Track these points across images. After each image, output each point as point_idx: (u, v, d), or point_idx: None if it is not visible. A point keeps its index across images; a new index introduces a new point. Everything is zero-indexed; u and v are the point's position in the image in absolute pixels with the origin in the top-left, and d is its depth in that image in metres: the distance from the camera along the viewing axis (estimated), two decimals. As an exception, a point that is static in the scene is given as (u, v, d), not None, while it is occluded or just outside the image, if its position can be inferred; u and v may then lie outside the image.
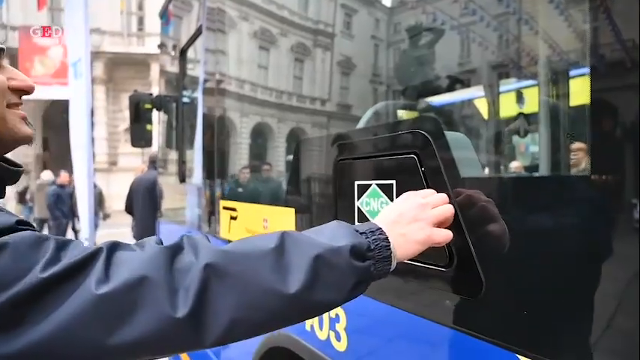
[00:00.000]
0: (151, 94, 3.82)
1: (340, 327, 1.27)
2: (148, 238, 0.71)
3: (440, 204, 0.85)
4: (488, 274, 0.82)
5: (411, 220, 0.79)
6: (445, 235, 0.81)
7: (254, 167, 2.26)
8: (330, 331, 1.31)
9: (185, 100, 3.54)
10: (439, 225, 0.83)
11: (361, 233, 0.74)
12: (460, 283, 0.88)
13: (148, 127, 4.02)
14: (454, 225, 0.88)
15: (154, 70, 19.07)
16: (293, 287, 0.65)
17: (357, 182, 1.26)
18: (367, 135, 1.20)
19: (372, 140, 1.15)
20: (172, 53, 4.38)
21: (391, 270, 0.76)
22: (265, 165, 2.20)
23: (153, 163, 5.24)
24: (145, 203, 4.99)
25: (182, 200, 3.54)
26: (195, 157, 3.23)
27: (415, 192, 0.88)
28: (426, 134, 0.95)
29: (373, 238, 0.74)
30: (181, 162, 3.21)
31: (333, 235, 0.73)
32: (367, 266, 0.72)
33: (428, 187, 0.99)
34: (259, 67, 2.38)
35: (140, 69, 20.30)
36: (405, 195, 0.87)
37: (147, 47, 20.08)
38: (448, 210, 0.84)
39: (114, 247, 0.65)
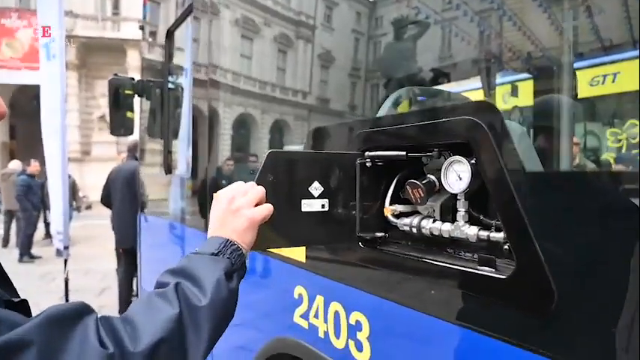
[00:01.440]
0: (133, 79, 3.59)
1: (362, 335, 1.15)
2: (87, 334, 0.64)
3: (249, 189, 0.94)
4: (563, 283, 0.71)
5: (232, 215, 0.89)
6: (266, 209, 0.93)
7: (256, 158, 2.10)
8: (350, 340, 1.19)
9: (172, 86, 3.34)
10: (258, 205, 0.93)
11: (217, 254, 0.83)
12: (525, 294, 0.77)
13: (129, 114, 3.79)
14: (517, 225, 0.77)
15: (131, 56, 18.44)
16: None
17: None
18: (400, 123, 1.07)
19: (407, 129, 1.02)
20: (150, 39, 4.16)
21: (246, 267, 0.88)
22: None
23: (132, 152, 4.98)
24: (124, 195, 4.74)
25: (166, 192, 3.36)
26: (181, 147, 3.05)
27: (221, 190, 0.95)
28: (480, 122, 0.83)
29: (229, 252, 0.84)
30: (167, 152, 3.01)
31: (204, 272, 0.78)
32: (236, 282, 0.83)
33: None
34: (242, 56, 2.26)
35: (115, 55, 19.58)
36: (214, 200, 0.95)
37: (123, 33, 19.38)
38: (259, 191, 0.94)
39: (51, 341, 0.59)
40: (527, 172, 0.77)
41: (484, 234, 0.88)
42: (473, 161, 0.87)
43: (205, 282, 0.76)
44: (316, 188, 1.07)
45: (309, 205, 1.06)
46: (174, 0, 3.48)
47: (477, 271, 0.86)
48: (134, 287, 4.90)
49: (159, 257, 3.37)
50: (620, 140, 0.82)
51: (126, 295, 4.92)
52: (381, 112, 1.22)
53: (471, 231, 0.90)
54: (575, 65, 0.86)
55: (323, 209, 1.09)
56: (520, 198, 0.76)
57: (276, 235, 1.04)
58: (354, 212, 1.13)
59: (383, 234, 1.14)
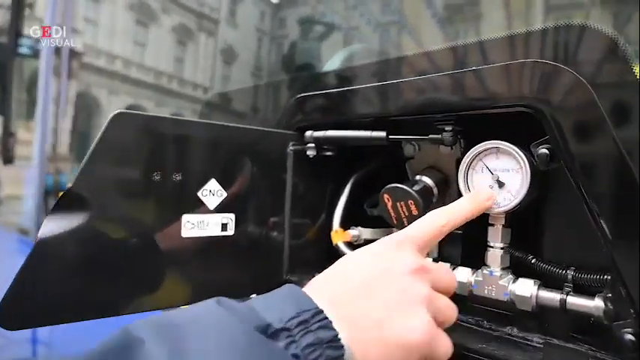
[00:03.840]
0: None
1: None
2: None
3: (444, 277, 0.41)
4: None
5: (396, 295, 0.36)
6: (449, 347, 0.37)
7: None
8: None
9: (24, 49, 2.55)
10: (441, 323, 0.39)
11: (277, 332, 0.32)
12: None
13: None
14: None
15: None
16: None
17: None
18: (375, 79, 0.59)
19: (395, 89, 0.55)
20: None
21: None
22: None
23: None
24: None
25: (13, 188, 2.53)
26: (35, 131, 2.28)
27: (393, 240, 0.41)
28: (573, 72, 0.39)
29: (308, 342, 0.31)
30: (7, 134, 2.21)
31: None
32: None
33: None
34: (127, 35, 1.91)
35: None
36: (379, 245, 0.41)
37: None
38: (451, 284, 0.41)
39: None
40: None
41: (554, 297, 0.44)
42: (543, 151, 0.43)
43: None
44: (213, 193, 0.56)
45: (197, 226, 0.54)
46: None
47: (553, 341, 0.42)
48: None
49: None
50: None
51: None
52: (333, 65, 0.75)
53: (523, 289, 0.46)
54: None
55: (224, 233, 0.57)
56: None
57: (119, 292, 0.51)
58: (280, 239, 0.64)
59: (328, 276, 0.66)
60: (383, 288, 0.36)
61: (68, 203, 0.46)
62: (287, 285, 0.37)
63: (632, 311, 0.37)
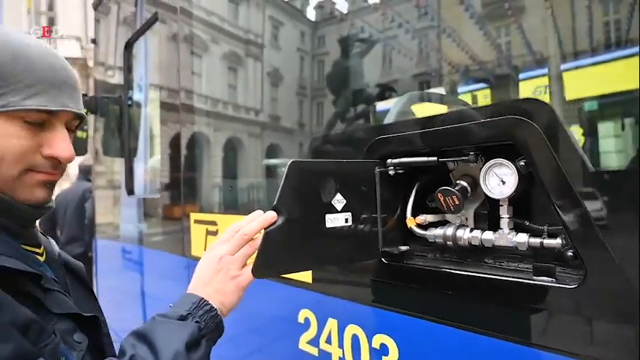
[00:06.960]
0: (85, 95, 3.32)
1: (391, 360, 1.05)
2: None
3: (238, 246, 0.89)
4: (645, 290, 0.66)
5: (216, 274, 0.87)
6: (248, 277, 0.87)
7: (246, 174, 1.96)
8: (374, 366, 1.09)
9: (130, 101, 3.12)
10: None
11: (185, 317, 0.79)
12: (602, 303, 0.71)
13: (80, 133, 3.50)
14: (585, 230, 0.71)
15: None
16: None
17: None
18: (426, 126, 0.99)
19: (439, 132, 0.95)
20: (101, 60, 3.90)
21: (223, 329, 0.85)
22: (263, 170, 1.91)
23: (85, 173, 4.62)
24: (74, 219, 4.36)
25: (127, 215, 3.11)
26: (146, 166, 2.85)
27: (214, 243, 0.91)
28: (530, 121, 0.78)
29: (201, 314, 0.81)
30: (130, 171, 2.79)
31: (164, 340, 0.75)
32: (204, 348, 0.79)
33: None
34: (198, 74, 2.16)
35: (52, 74, 18.36)
36: (206, 253, 0.91)
37: (60, 51, 18.33)
38: (246, 251, 0.89)
39: None
40: (593, 172, 0.72)
41: (536, 241, 0.82)
42: (522, 163, 0.81)
43: (163, 353, 0.73)
44: (339, 201, 0.98)
45: (333, 220, 0.96)
46: (116, 15, 3.33)
47: (533, 282, 0.80)
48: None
49: (123, 287, 3.09)
50: None
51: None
52: (391, 117, 1.15)
53: (521, 239, 0.84)
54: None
55: (346, 224, 0.99)
56: (586, 200, 0.71)
57: (300, 257, 0.93)
58: (375, 226, 1.05)
59: (407, 247, 1.06)
60: (210, 270, 0.87)
61: (275, 210, 0.89)
62: (184, 294, 0.86)
63: (570, 241, 0.75)
